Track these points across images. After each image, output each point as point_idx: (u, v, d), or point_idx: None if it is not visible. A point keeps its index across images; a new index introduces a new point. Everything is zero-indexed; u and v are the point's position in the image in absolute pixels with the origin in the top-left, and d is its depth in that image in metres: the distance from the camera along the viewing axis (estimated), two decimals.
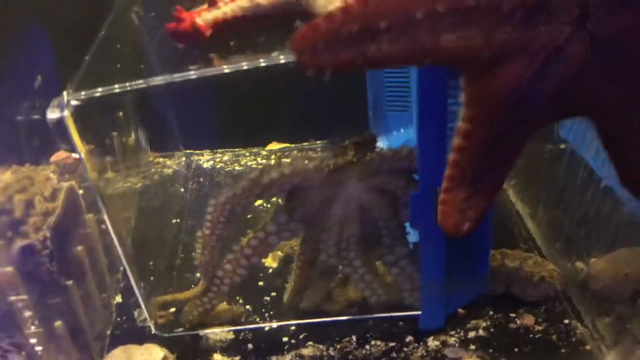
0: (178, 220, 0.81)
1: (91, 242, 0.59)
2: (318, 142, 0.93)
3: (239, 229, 0.58)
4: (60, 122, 0.48)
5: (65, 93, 0.48)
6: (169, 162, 0.91)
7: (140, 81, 0.46)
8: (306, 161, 0.51)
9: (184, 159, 0.94)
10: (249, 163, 0.95)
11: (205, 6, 0.51)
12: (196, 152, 0.96)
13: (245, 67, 0.46)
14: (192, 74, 0.46)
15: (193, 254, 0.59)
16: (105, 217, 0.52)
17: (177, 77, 0.46)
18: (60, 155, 0.75)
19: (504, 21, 0.32)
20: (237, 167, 0.94)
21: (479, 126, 0.37)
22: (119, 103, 0.68)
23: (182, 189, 0.88)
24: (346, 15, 0.32)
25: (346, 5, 0.31)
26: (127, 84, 0.46)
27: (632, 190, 0.42)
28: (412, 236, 0.57)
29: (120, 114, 0.68)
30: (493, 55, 0.34)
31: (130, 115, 0.72)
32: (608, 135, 0.39)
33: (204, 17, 0.50)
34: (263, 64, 0.46)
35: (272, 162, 0.71)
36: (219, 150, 0.96)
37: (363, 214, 0.55)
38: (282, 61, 0.46)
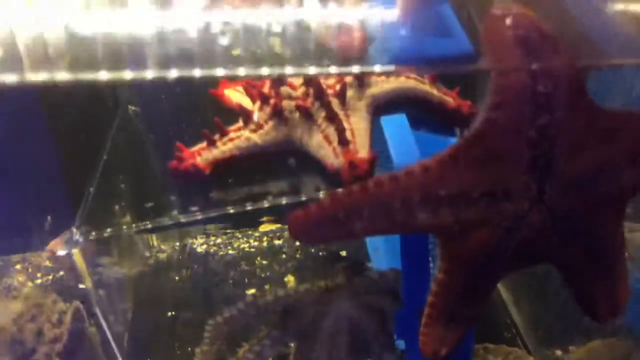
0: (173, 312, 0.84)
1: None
2: None
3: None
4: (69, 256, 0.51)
5: (74, 230, 0.52)
6: (163, 247, 0.94)
7: (148, 223, 0.50)
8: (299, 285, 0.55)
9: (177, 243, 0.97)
10: (242, 246, 0.98)
11: (205, 144, 0.55)
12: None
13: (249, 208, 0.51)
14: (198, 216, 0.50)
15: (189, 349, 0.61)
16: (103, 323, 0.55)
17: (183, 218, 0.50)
18: (56, 244, 0.79)
19: (472, 203, 0.37)
20: (230, 252, 0.97)
21: (454, 277, 0.42)
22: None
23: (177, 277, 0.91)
24: (334, 203, 0.36)
25: (333, 194, 0.36)
26: (134, 225, 0.51)
27: (597, 320, 0.47)
28: (400, 343, 0.61)
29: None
30: (463, 228, 0.38)
31: None
32: (570, 279, 0.44)
33: (204, 156, 0.54)
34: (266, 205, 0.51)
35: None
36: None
37: (352, 327, 0.58)
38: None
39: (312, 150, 0.52)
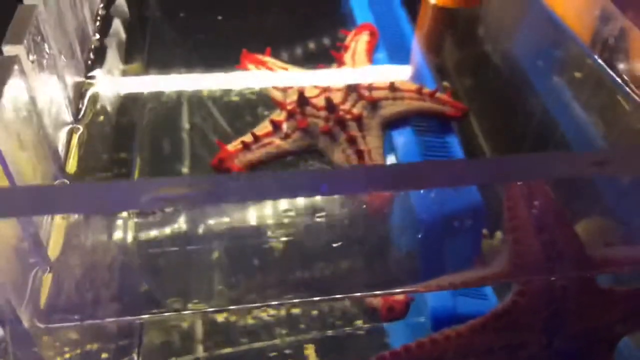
0: None
1: None
2: None
3: None
4: None
5: None
6: None
7: None
8: None
9: None
10: None
11: (240, 145, 0.66)
12: None
13: None
14: None
15: None
16: None
17: None
18: None
19: (493, 353, 0.49)
20: None
21: None
22: None
23: None
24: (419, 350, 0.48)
25: (420, 342, 0.48)
26: None
27: None
28: None
29: None
30: None
31: None
32: None
33: (240, 158, 0.65)
34: None
35: None
36: None
37: None
38: None
39: (334, 162, 0.64)
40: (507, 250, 0.48)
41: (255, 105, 0.80)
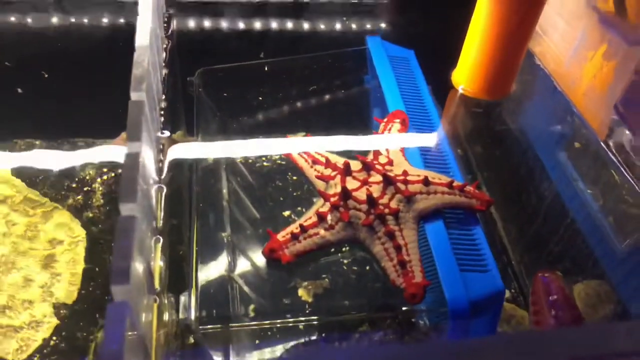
0: None
1: None
2: None
3: None
4: None
5: None
6: None
7: None
8: None
9: None
10: None
11: (289, 236, 0.73)
12: None
13: None
14: None
15: None
16: None
17: None
18: None
19: None
20: None
21: None
22: None
23: None
24: None
25: None
26: None
27: None
28: None
29: None
30: None
31: None
32: None
33: (290, 249, 0.73)
34: None
35: None
36: None
37: None
38: None
39: (374, 254, 0.71)
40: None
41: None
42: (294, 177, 0.94)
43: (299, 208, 0.91)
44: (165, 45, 0.90)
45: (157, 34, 0.78)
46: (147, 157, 0.61)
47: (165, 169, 0.78)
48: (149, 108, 0.65)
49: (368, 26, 1.10)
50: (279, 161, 0.96)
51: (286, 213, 0.91)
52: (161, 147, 0.78)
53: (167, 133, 0.81)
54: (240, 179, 0.94)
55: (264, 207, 0.91)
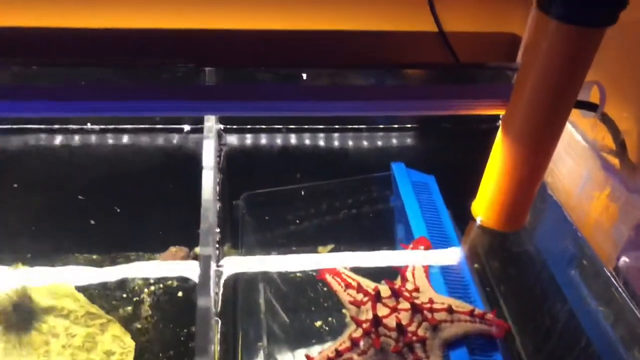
0: None
1: None
2: None
3: None
4: None
5: None
6: None
7: None
8: None
9: None
10: None
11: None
12: None
13: None
14: None
15: None
16: None
17: None
18: None
19: None
20: None
21: None
22: None
23: None
24: None
25: None
26: None
27: None
28: None
29: None
30: None
31: None
32: None
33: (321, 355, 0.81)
34: None
35: None
36: None
37: None
38: None
39: None
40: None
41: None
42: (324, 289, 1.04)
43: (330, 319, 1.00)
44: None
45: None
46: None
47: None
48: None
49: (392, 150, 1.21)
50: (311, 272, 1.06)
51: (318, 323, 0.99)
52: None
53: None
54: (275, 290, 1.03)
55: (297, 317, 1.00)
